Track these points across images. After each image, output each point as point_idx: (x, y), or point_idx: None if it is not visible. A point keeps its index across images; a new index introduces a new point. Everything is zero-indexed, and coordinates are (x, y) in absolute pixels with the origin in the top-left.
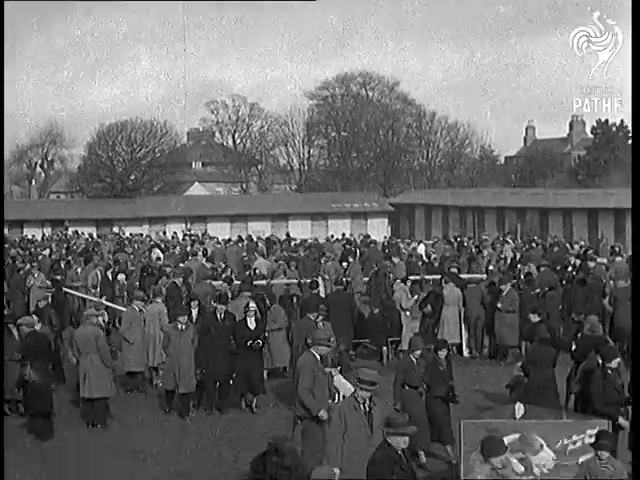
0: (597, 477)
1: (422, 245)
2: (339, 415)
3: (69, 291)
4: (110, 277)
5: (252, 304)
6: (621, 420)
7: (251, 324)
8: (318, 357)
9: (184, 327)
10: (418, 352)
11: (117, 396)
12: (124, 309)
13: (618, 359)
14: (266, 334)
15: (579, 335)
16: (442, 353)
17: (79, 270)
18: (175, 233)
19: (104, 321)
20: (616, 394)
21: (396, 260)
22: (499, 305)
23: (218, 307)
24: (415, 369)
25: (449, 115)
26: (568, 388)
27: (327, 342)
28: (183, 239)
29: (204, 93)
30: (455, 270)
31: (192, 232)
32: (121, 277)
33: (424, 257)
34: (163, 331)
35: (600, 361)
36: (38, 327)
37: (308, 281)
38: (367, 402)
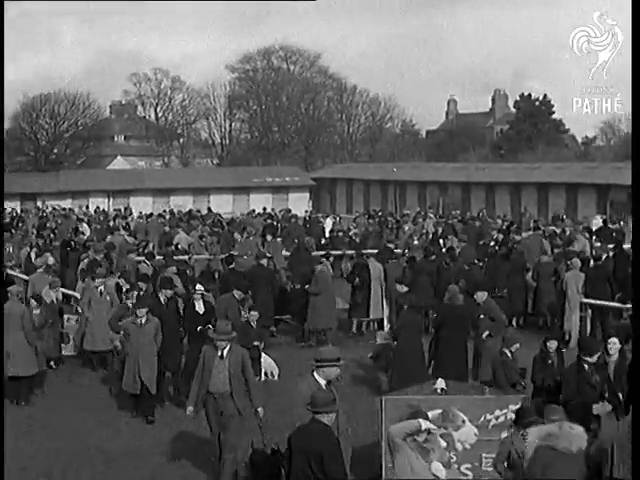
0: (522, 452)
1: (329, 219)
2: (301, 398)
3: (13, 274)
4: (34, 256)
5: (199, 286)
6: (595, 407)
7: (200, 308)
8: (219, 352)
9: (144, 321)
10: (517, 345)
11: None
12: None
13: (599, 353)
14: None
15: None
16: (552, 345)
17: (11, 249)
18: (98, 207)
19: (57, 299)
20: (591, 392)
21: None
22: (307, 287)
23: (163, 291)
24: (511, 365)
25: (370, 89)
26: (429, 354)
27: (225, 336)
28: (101, 212)
29: (127, 66)
30: (392, 245)
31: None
32: (51, 260)
33: (327, 232)
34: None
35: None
36: None
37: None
38: (336, 381)
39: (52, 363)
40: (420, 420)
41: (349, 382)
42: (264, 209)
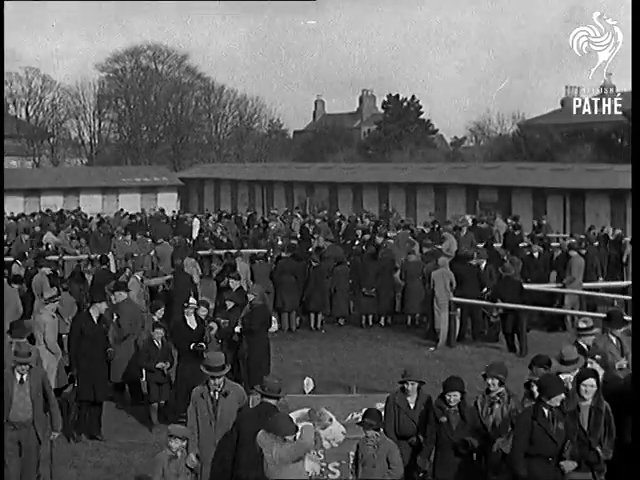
0: (364, 455)
1: (196, 219)
2: (192, 403)
3: None
4: None
5: (192, 299)
6: (564, 464)
7: (192, 323)
8: (18, 377)
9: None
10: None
11: None
12: None
13: (562, 396)
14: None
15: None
16: (454, 396)
17: None
18: None
19: None
20: (551, 444)
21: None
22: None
23: (97, 306)
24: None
25: (238, 89)
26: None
27: (26, 359)
28: None
29: None
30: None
31: None
32: None
33: (195, 232)
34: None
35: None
36: None
37: (99, 257)
38: (219, 389)
39: None
40: None
41: None
42: (160, 209)
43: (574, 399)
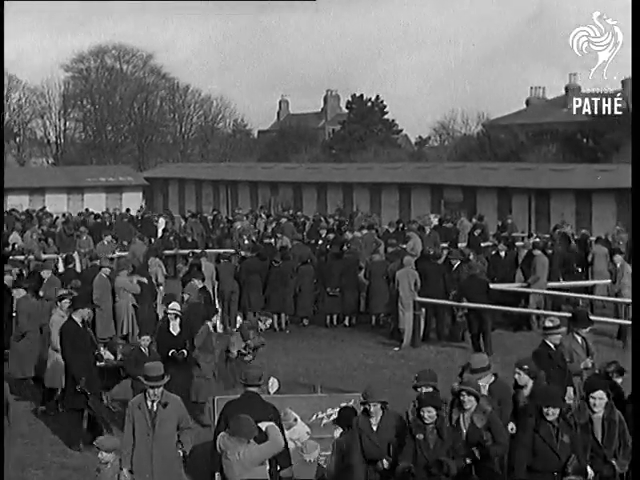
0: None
1: (162, 219)
2: (128, 413)
3: None
4: None
5: (174, 304)
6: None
7: (174, 329)
8: None
9: None
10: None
11: None
12: None
13: (557, 409)
14: None
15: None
16: (430, 413)
17: None
18: None
19: None
20: (554, 458)
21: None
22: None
23: (80, 311)
24: None
25: (202, 89)
26: None
27: None
28: None
29: None
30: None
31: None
32: None
33: (159, 231)
34: None
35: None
36: None
37: (64, 256)
38: (158, 399)
39: None
40: None
41: None
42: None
43: (585, 411)
